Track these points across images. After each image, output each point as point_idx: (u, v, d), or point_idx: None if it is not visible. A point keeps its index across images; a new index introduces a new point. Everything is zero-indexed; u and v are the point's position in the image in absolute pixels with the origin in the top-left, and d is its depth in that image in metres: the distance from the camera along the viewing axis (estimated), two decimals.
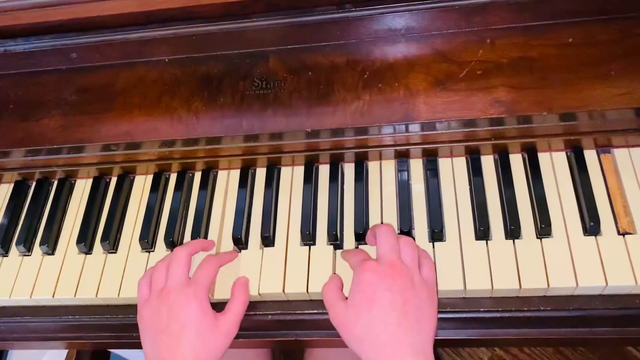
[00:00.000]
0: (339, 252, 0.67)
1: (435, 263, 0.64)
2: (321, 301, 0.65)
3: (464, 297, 0.64)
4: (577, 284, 0.60)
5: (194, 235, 0.72)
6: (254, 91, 0.71)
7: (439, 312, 0.63)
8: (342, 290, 0.63)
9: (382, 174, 0.73)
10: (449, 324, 0.64)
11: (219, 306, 0.65)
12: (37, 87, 0.78)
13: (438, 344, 0.61)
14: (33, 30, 0.75)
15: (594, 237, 0.63)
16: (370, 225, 0.69)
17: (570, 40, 0.66)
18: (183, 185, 0.77)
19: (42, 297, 0.72)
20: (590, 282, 0.60)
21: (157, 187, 0.78)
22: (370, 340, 0.56)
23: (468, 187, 0.70)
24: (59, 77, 0.78)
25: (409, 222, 0.68)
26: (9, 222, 0.79)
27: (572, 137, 0.68)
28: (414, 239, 0.67)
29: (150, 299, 0.64)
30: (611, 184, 0.67)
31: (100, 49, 0.75)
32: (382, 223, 0.69)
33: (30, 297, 0.72)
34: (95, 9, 0.71)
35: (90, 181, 0.81)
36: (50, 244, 0.76)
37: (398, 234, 0.67)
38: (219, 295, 0.67)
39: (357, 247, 0.68)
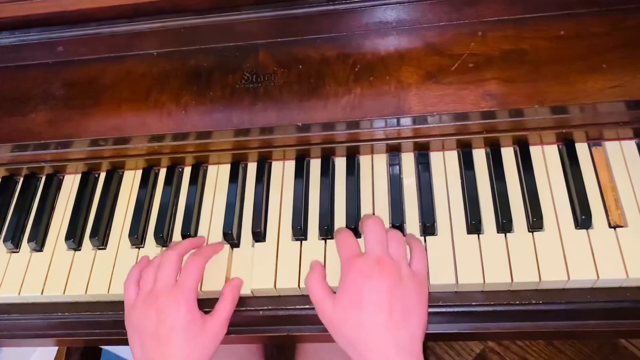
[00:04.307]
0: (330, 246, 0.67)
1: (427, 257, 0.64)
2: None
3: (455, 291, 0.64)
4: (568, 278, 0.60)
5: (184, 231, 0.71)
6: (244, 85, 0.70)
7: (431, 306, 0.63)
8: (325, 279, 0.62)
9: (374, 168, 0.72)
10: (441, 318, 0.64)
11: (206, 302, 0.65)
12: (23, 81, 0.77)
13: (430, 338, 0.62)
14: (19, 24, 0.74)
15: (585, 230, 0.63)
16: None
17: (562, 32, 0.66)
18: (173, 180, 0.76)
19: (31, 294, 0.71)
20: (582, 275, 0.60)
21: (147, 182, 0.77)
22: (358, 342, 0.56)
23: (460, 180, 0.69)
24: (46, 71, 0.77)
25: (400, 216, 0.68)
26: None
27: (564, 130, 0.68)
28: (405, 233, 0.67)
29: (138, 301, 0.63)
30: (602, 177, 0.67)
31: (87, 42, 0.74)
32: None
33: (19, 294, 0.71)
34: (82, 1, 0.70)
35: (78, 177, 0.80)
36: (39, 241, 0.75)
37: (390, 227, 0.67)
38: (207, 288, 0.67)
39: None
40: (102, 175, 0.79)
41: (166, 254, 0.65)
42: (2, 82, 0.77)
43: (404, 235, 0.67)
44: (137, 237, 0.72)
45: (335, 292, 0.60)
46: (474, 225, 0.65)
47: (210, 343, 0.62)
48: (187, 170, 0.77)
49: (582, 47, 0.64)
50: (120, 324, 0.69)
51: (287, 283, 0.65)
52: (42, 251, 0.75)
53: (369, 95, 0.67)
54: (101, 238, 0.74)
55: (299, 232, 0.69)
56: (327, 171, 0.72)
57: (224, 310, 0.64)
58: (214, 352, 0.63)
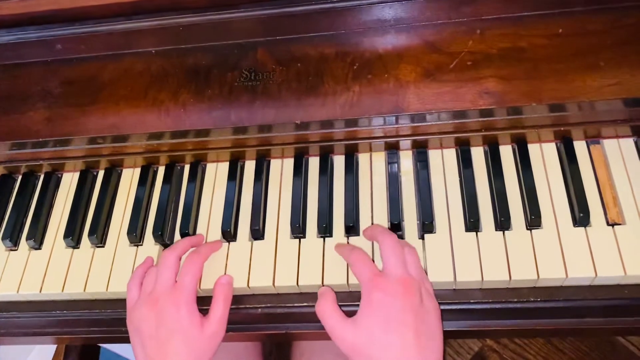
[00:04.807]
0: (328, 244, 0.67)
1: (425, 255, 0.64)
2: (311, 294, 0.65)
3: (454, 289, 0.64)
4: (566, 275, 0.60)
5: (183, 229, 0.71)
6: (242, 83, 0.70)
7: None
8: (336, 304, 0.61)
9: (372, 166, 0.72)
10: None
11: (206, 300, 0.65)
12: (21, 79, 0.76)
13: None
14: (17, 21, 0.73)
15: (583, 228, 0.63)
16: (361, 217, 0.69)
17: (560, 30, 0.66)
18: (171, 178, 0.76)
19: (29, 292, 0.71)
20: (580, 273, 0.60)
21: (145, 180, 0.77)
22: None
23: (458, 178, 0.69)
24: (44, 69, 0.76)
25: (399, 215, 0.68)
26: None
27: (562, 128, 0.68)
28: (403, 231, 0.67)
29: (139, 303, 0.64)
30: (600, 174, 0.67)
31: (85, 40, 0.74)
32: (372, 214, 0.69)
33: (17, 292, 0.71)
34: None
35: (77, 175, 0.80)
36: (37, 239, 0.75)
37: (388, 226, 0.67)
38: (206, 286, 0.67)
39: (347, 240, 0.67)
40: (101, 174, 0.79)
41: (164, 255, 0.66)
42: (1, 80, 0.77)
43: (402, 234, 0.67)
44: (135, 235, 0.72)
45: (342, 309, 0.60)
46: (473, 223, 0.65)
47: (208, 344, 0.62)
48: (186, 168, 0.77)
49: (580, 45, 0.64)
50: (118, 322, 0.69)
51: (286, 281, 0.65)
52: (40, 249, 0.75)
53: (367, 93, 0.67)
54: (100, 236, 0.74)
55: (298, 230, 0.69)
56: (326, 169, 0.72)
57: (217, 310, 0.64)
58: (214, 352, 0.63)
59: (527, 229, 0.64)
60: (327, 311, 0.60)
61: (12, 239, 0.76)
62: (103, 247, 0.73)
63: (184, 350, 0.60)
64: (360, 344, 0.56)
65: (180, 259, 0.66)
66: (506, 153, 0.70)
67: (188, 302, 0.62)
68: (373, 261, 0.63)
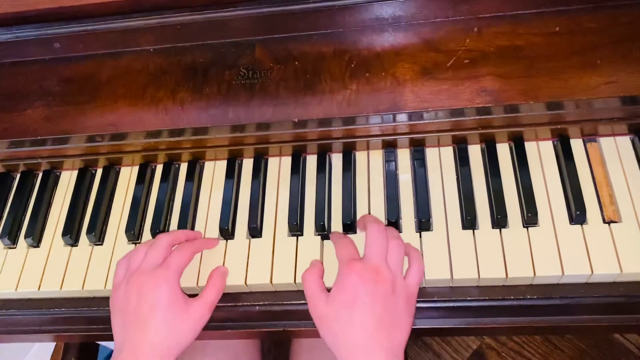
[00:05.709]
0: (326, 242, 0.67)
1: (422, 253, 0.64)
2: None
3: (451, 287, 0.64)
4: (563, 273, 0.60)
5: (181, 227, 0.71)
6: (240, 81, 0.70)
7: (426, 301, 0.64)
8: (322, 278, 0.63)
9: (370, 164, 0.73)
10: (436, 313, 0.64)
11: None
12: (19, 77, 0.77)
13: (425, 333, 0.62)
14: (15, 20, 0.73)
15: (579, 225, 0.63)
16: (358, 215, 0.69)
17: (557, 29, 0.66)
18: (169, 176, 0.76)
19: (28, 289, 0.71)
20: (576, 270, 0.60)
21: (143, 178, 0.77)
22: (345, 341, 0.57)
23: (455, 176, 0.70)
24: (42, 68, 0.77)
25: (396, 212, 0.68)
26: None
27: (559, 126, 0.68)
28: (401, 229, 0.67)
29: (123, 281, 0.63)
30: (597, 172, 0.67)
31: (84, 38, 0.74)
32: (370, 212, 0.69)
33: (16, 289, 0.72)
34: None
35: (75, 173, 0.80)
36: (36, 237, 0.75)
37: (385, 224, 0.68)
38: (203, 283, 0.67)
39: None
40: (99, 172, 0.79)
41: (158, 237, 0.66)
42: None
43: (400, 231, 0.67)
44: (133, 233, 0.72)
45: (329, 291, 0.60)
46: (469, 221, 0.65)
47: (191, 326, 0.61)
48: (184, 167, 0.77)
49: (577, 43, 0.65)
50: None
51: (283, 278, 0.66)
52: (39, 247, 0.75)
53: (364, 92, 0.67)
54: (98, 234, 0.74)
55: (295, 228, 0.69)
56: (324, 167, 0.73)
57: (209, 296, 0.64)
58: (195, 335, 0.62)
59: (524, 226, 0.64)
60: (310, 279, 0.62)
61: (11, 237, 0.76)
62: (101, 245, 0.73)
63: (164, 330, 0.59)
64: (327, 316, 0.59)
65: (171, 245, 0.66)
66: (503, 151, 0.70)
67: (170, 280, 0.61)
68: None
